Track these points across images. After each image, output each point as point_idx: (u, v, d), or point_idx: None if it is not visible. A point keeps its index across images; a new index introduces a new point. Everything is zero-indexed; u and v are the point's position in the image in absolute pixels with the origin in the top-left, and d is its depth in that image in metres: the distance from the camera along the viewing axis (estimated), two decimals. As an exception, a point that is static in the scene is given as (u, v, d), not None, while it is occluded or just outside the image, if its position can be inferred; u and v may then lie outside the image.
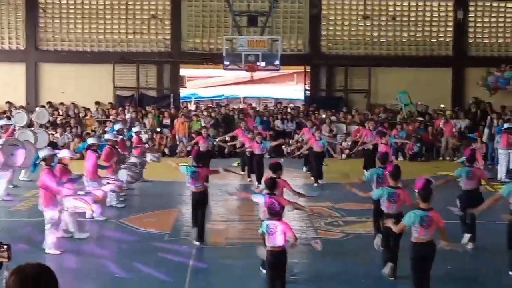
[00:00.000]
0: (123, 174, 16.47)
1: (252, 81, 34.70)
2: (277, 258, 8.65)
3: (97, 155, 15.13)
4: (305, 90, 30.02)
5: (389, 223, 9.45)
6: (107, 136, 17.17)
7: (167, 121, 27.17)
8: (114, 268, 11.02)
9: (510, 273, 10.65)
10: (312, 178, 19.90)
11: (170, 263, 11.42)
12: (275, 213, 8.77)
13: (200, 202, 12.46)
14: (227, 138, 22.25)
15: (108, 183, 14.26)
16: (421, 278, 8.89)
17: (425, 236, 8.80)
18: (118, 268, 11.00)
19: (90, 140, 15.87)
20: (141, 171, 18.36)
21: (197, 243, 12.31)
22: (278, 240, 8.57)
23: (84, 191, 12.92)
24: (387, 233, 10.13)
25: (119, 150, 16.72)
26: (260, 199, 10.31)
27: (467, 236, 11.99)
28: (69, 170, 12.71)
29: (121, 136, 17.63)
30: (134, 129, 19.74)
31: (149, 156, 19.26)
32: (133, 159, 18.03)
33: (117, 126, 18.92)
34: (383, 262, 10.61)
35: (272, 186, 9.97)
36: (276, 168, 10.96)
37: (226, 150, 23.60)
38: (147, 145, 20.82)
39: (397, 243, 10.14)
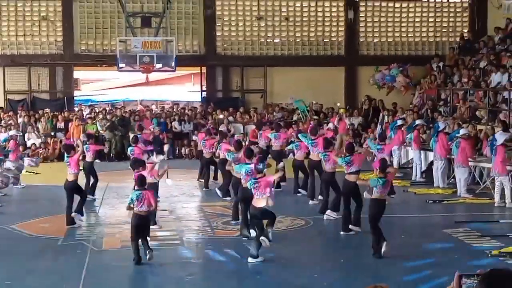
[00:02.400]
0: None
1: (149, 83, 34.45)
2: (144, 220, 11.30)
3: None
4: (202, 91, 30.05)
5: None
6: None
7: (61, 124, 26.59)
8: (3, 275, 10.70)
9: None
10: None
11: (64, 267, 11.23)
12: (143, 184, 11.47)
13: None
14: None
15: None
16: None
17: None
18: (8, 275, 10.69)
19: None
20: (17, 175, 17.87)
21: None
22: (145, 206, 11.11)
23: None
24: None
25: None
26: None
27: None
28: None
29: None
30: (10, 133, 19.22)
31: (26, 161, 18.80)
32: (8, 164, 17.52)
33: None
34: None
35: (138, 166, 12.60)
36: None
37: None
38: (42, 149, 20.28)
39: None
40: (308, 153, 16.65)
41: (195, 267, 11.42)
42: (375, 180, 11.46)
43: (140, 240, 11.18)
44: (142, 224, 11.28)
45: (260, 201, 11.13)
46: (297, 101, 27.58)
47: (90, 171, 16.84)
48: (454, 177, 18.13)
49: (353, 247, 12.47)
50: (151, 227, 12.30)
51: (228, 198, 16.44)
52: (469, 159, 17.34)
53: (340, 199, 13.92)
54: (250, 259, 11.16)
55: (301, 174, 17.08)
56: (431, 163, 19.31)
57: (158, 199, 13.78)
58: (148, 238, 11.57)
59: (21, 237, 13.33)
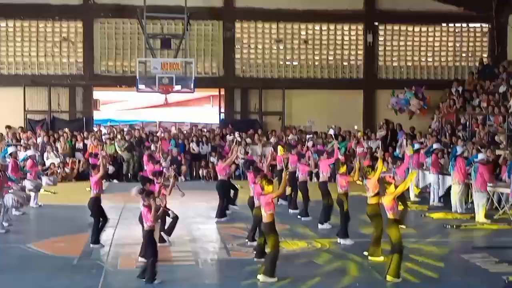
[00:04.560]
0: (9, 199, 15.98)
1: (168, 105, 34.53)
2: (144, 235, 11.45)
3: None
4: (220, 112, 30.12)
5: None
6: None
7: (80, 144, 26.76)
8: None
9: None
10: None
11: (79, 287, 11.20)
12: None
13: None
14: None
15: None
16: None
17: None
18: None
19: None
20: (33, 195, 17.86)
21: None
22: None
23: None
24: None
25: (6, 174, 16.29)
26: None
27: None
28: None
29: (8, 160, 17.16)
30: (28, 153, 19.31)
31: (44, 179, 18.81)
32: (27, 183, 17.60)
33: (10, 149, 18.45)
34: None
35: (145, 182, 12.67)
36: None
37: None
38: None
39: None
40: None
41: (209, 289, 11.38)
42: None
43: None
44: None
45: (265, 218, 11.34)
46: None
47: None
48: (472, 202, 17.99)
49: (368, 270, 12.35)
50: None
51: (223, 219, 17.05)
52: (488, 184, 17.21)
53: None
54: (261, 277, 11.11)
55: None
56: (449, 187, 19.16)
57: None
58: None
59: (36, 256, 13.34)
